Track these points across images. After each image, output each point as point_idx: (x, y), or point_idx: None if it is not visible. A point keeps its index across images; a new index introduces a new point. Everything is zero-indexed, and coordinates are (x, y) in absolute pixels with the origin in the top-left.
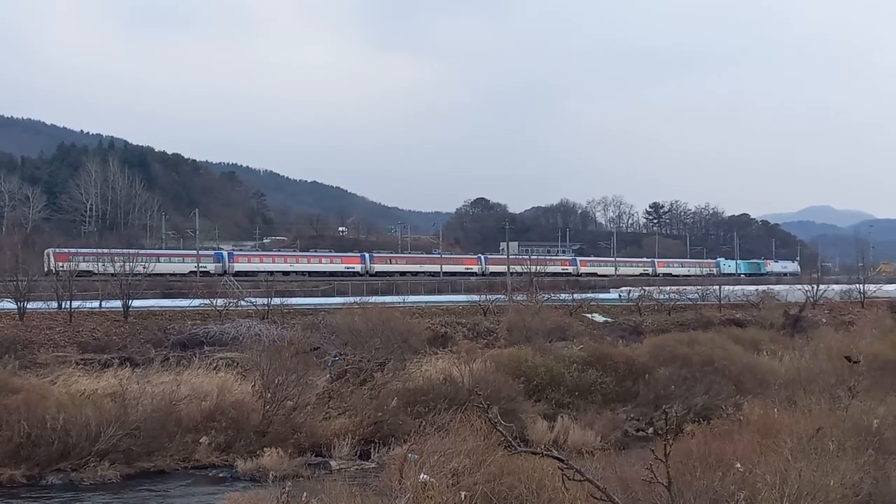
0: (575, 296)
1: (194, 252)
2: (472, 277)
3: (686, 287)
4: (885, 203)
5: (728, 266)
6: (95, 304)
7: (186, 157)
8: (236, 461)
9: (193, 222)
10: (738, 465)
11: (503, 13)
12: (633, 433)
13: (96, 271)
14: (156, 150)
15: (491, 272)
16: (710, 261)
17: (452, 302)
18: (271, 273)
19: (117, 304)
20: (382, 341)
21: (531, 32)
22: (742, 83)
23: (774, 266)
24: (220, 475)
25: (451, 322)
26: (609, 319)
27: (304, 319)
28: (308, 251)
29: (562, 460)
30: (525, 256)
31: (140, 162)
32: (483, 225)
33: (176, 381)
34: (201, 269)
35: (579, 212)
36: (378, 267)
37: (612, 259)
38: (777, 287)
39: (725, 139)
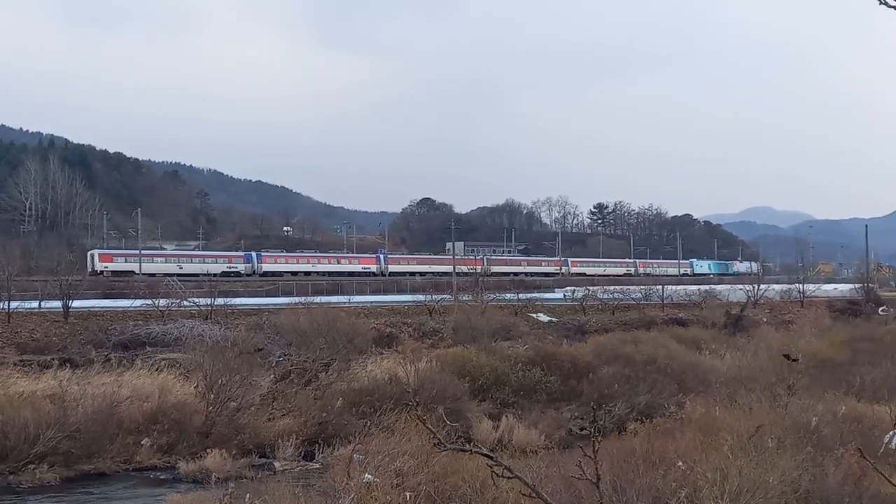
0: (520, 296)
1: (228, 253)
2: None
3: (630, 287)
4: (824, 204)
5: (700, 267)
6: (34, 304)
7: (128, 155)
8: (179, 463)
9: (135, 222)
10: (680, 463)
11: (446, 13)
12: (577, 432)
13: (137, 272)
14: (97, 148)
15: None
16: (685, 262)
17: (398, 302)
18: (294, 273)
19: (57, 304)
20: (327, 341)
21: (475, 32)
22: (684, 83)
23: (740, 266)
24: (163, 477)
25: (397, 322)
26: (554, 319)
27: (248, 320)
28: (328, 252)
29: (490, 457)
30: (523, 258)
31: (81, 161)
32: (429, 225)
33: (117, 382)
34: (233, 269)
35: (525, 212)
36: (392, 267)
37: (601, 260)
38: (719, 287)
39: (669, 140)
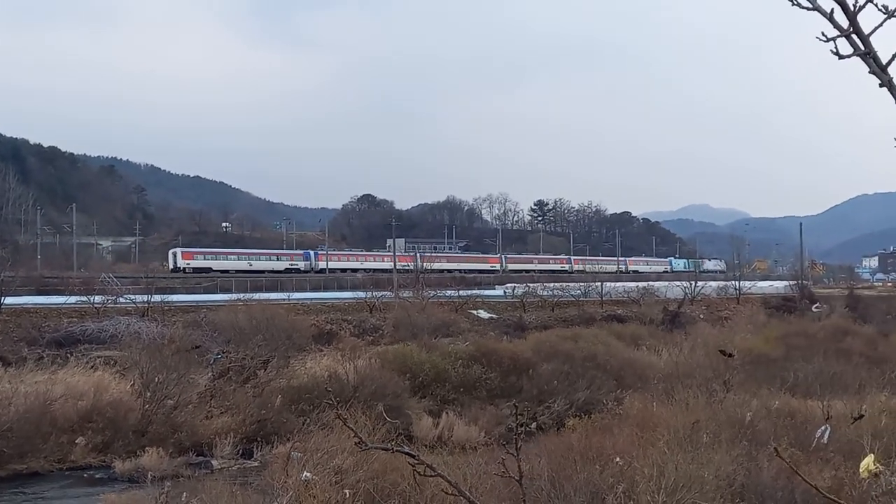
0: (460, 292)
1: (290, 252)
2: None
3: (570, 284)
4: (760, 202)
5: (678, 265)
6: None
7: (63, 150)
8: (114, 462)
9: (70, 217)
10: (618, 459)
11: (385, 9)
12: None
13: (214, 268)
14: (31, 142)
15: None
16: (664, 260)
17: (338, 299)
18: (343, 270)
19: None
20: (266, 339)
21: (412, 26)
22: (623, 82)
23: (708, 264)
24: (98, 476)
25: (337, 319)
26: (494, 316)
27: (185, 317)
28: (372, 251)
29: (412, 455)
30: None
31: (14, 154)
32: (369, 221)
33: (51, 380)
34: (294, 267)
35: (465, 209)
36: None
37: (597, 258)
38: (657, 284)
39: (608, 138)
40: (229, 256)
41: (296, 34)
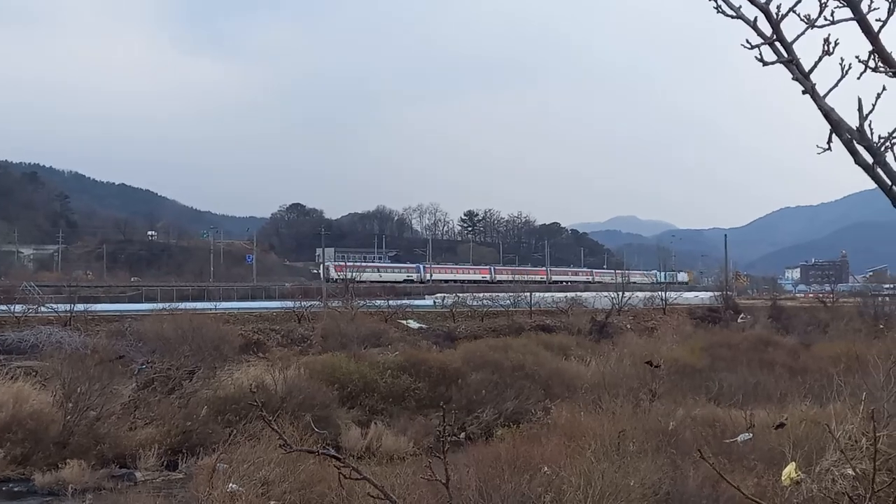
0: (390, 302)
1: (408, 265)
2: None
3: (499, 294)
4: (686, 214)
5: (659, 276)
6: None
7: None
8: (34, 474)
9: None
10: (546, 468)
11: (316, 19)
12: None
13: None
14: None
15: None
16: (649, 272)
17: (266, 308)
18: (445, 281)
19: None
20: (192, 349)
21: (343, 39)
22: (552, 98)
23: (680, 276)
24: (17, 489)
25: (265, 329)
26: (424, 325)
27: (109, 326)
28: (464, 264)
29: (338, 458)
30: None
31: None
32: (299, 231)
33: None
34: (409, 278)
35: (396, 218)
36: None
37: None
38: (585, 294)
39: (538, 150)
40: (366, 269)
41: (226, 43)
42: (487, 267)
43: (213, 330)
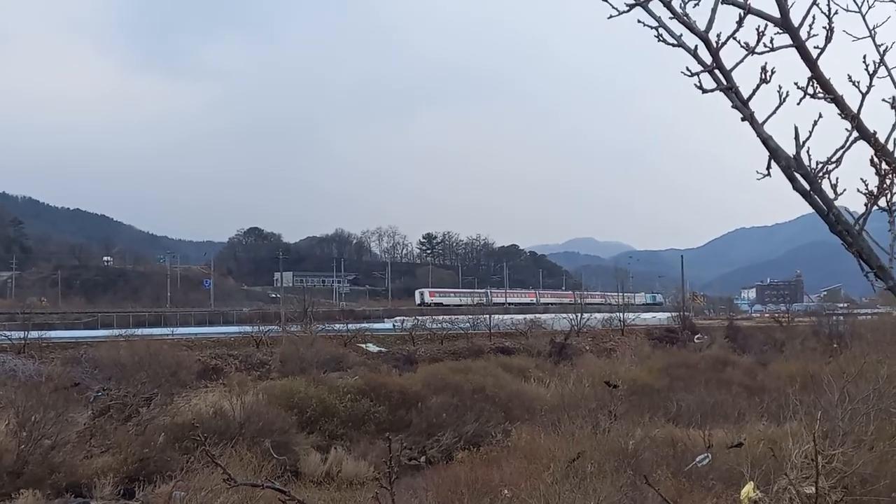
0: (350, 325)
1: (479, 291)
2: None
3: (458, 316)
4: (644, 236)
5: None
6: None
7: None
8: None
9: None
10: (506, 491)
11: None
12: (406, 462)
13: (444, 303)
14: None
15: None
16: (637, 294)
17: (224, 333)
18: (502, 304)
19: None
20: (149, 375)
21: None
22: (508, 117)
23: (659, 297)
24: None
25: (223, 354)
26: (383, 349)
27: (64, 353)
28: (516, 289)
29: (283, 492)
30: (566, 291)
31: None
32: (256, 255)
33: None
34: (479, 301)
35: (354, 242)
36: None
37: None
38: (544, 316)
39: (495, 172)
40: (450, 294)
41: (177, 64)
42: (534, 291)
43: (170, 356)
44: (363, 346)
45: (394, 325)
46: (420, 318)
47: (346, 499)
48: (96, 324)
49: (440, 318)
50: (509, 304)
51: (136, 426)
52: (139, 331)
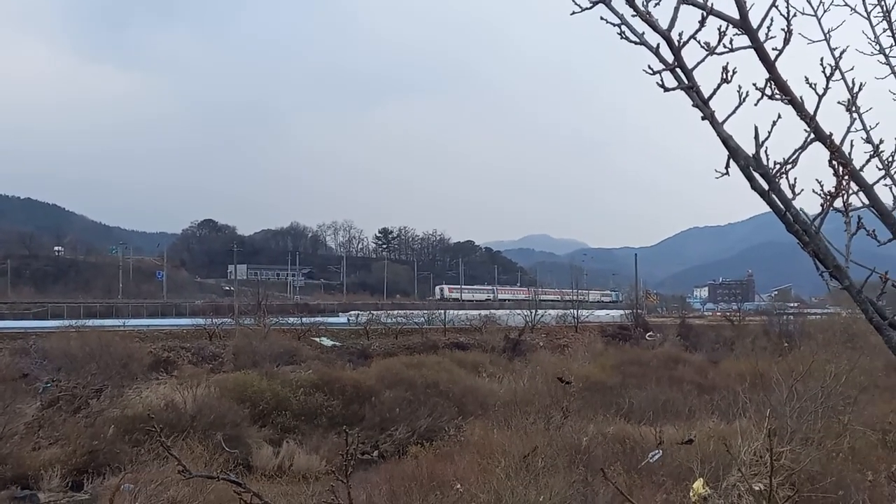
0: (304, 319)
1: (487, 287)
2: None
3: (413, 311)
4: (598, 234)
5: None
6: None
7: None
8: None
9: None
10: (458, 486)
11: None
12: (358, 456)
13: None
14: None
15: None
16: (608, 291)
17: (176, 326)
18: (507, 300)
19: None
20: (100, 367)
21: (250, 53)
22: (465, 108)
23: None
24: None
25: (175, 346)
26: (337, 343)
27: (13, 344)
28: (514, 286)
29: (238, 483)
30: (567, 290)
31: None
32: (210, 247)
33: None
34: (488, 298)
35: (310, 235)
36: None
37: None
38: (499, 312)
39: (449, 169)
40: (465, 290)
41: (131, 53)
42: (531, 288)
43: (121, 348)
44: (317, 340)
45: (348, 320)
46: (375, 312)
47: (300, 492)
48: (46, 314)
49: (395, 312)
50: (502, 300)
51: (86, 418)
52: (90, 322)
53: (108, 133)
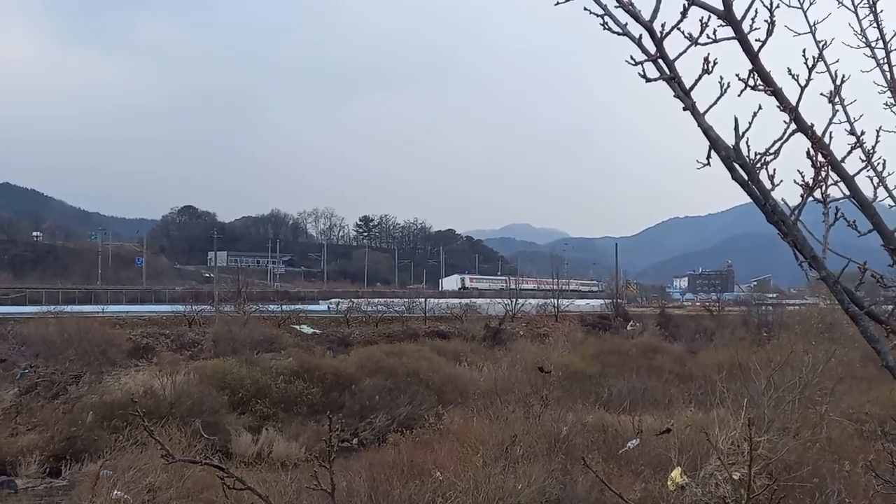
0: (284, 307)
1: (514, 278)
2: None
3: (394, 300)
4: (579, 223)
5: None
6: None
7: None
8: None
9: None
10: (438, 473)
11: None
12: (338, 444)
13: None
14: None
15: None
16: (593, 281)
17: (156, 312)
18: (524, 289)
19: None
20: (78, 353)
21: (232, 39)
22: (450, 98)
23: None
24: None
25: (155, 333)
26: (318, 331)
27: None
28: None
29: (221, 468)
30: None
31: None
32: (190, 233)
33: None
34: (503, 287)
35: (290, 223)
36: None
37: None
38: (479, 300)
39: (432, 158)
40: (483, 279)
41: (112, 37)
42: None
43: (100, 334)
44: (297, 327)
45: (328, 308)
46: (355, 300)
47: (279, 479)
48: (24, 300)
49: (375, 300)
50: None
51: (64, 404)
52: (69, 308)
53: (89, 118)
